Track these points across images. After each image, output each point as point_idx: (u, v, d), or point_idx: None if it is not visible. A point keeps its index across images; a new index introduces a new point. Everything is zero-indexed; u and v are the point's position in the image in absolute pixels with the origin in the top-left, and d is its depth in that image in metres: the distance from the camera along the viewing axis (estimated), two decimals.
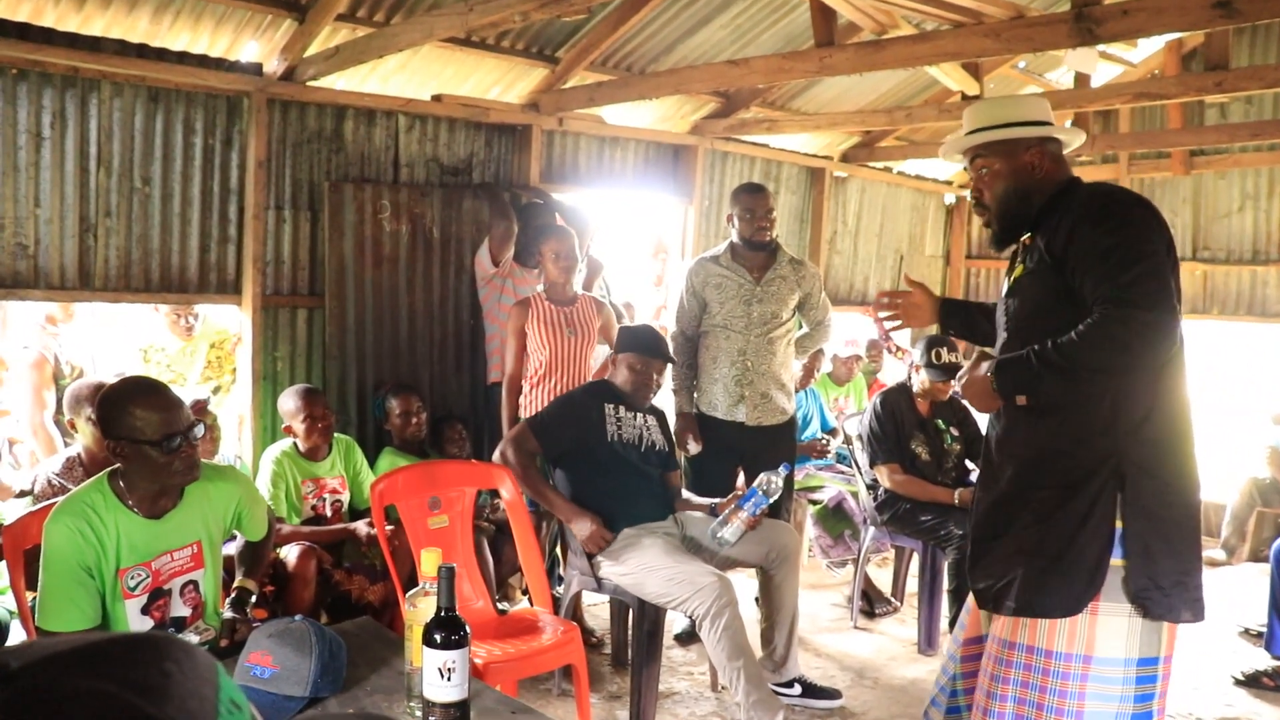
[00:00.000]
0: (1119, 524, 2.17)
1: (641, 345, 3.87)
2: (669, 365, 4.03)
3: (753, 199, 4.33)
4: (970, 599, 2.52)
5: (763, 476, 3.59)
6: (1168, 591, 2.17)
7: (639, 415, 3.92)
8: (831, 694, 3.94)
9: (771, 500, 3.61)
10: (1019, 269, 2.38)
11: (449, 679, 1.76)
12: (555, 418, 3.83)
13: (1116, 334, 2.06)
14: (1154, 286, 2.07)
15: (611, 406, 3.85)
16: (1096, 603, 2.19)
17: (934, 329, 2.96)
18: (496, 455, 3.79)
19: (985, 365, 2.30)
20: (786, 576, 3.84)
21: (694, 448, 4.36)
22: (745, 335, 4.30)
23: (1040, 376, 2.17)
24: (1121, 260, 2.09)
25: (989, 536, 2.38)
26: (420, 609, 1.95)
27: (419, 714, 1.87)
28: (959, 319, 2.83)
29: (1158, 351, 2.10)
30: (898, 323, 2.86)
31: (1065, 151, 2.45)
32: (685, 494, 4.04)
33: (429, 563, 1.97)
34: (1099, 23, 3.37)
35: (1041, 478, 2.27)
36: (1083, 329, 2.10)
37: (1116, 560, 2.17)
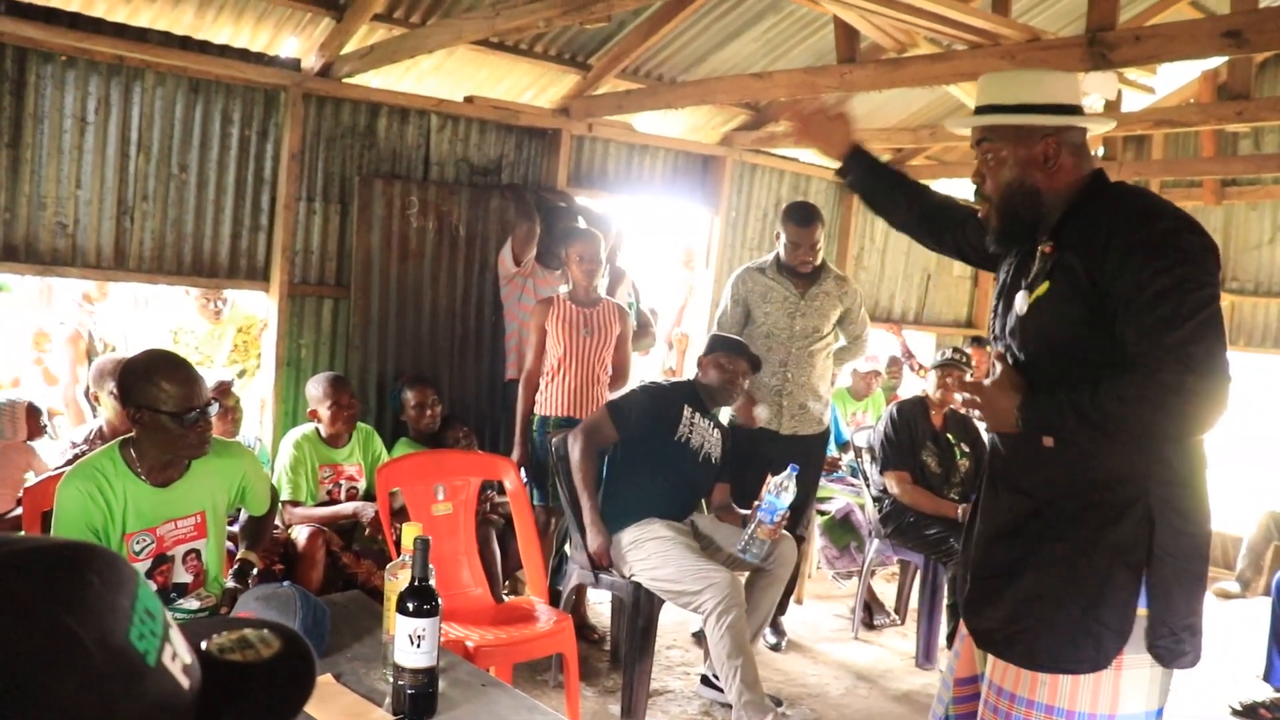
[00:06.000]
0: (1146, 570, 1.94)
1: (730, 345, 4.05)
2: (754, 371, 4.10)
3: (799, 231, 4.33)
4: (963, 630, 2.26)
5: (770, 481, 3.66)
6: (1180, 636, 1.96)
7: (712, 427, 4.05)
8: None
9: (785, 503, 3.65)
10: (1043, 287, 2.02)
11: (418, 645, 1.85)
12: (639, 405, 3.98)
13: (1169, 403, 1.79)
14: (1213, 345, 1.78)
15: (690, 409, 3.99)
16: (1121, 656, 1.95)
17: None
18: (570, 440, 3.89)
19: (1011, 393, 1.99)
20: (771, 584, 3.90)
21: (762, 413, 4.40)
22: (788, 347, 4.37)
23: (1076, 430, 1.92)
24: (1178, 309, 1.79)
25: (996, 574, 2.10)
26: (399, 580, 2.05)
27: (390, 679, 1.96)
28: (866, 171, 2.57)
29: (1212, 422, 1.80)
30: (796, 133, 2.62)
31: (1090, 136, 2.12)
32: (726, 504, 4.14)
33: (408, 535, 2.06)
34: (1112, 48, 3.40)
35: (1066, 516, 1.99)
36: (1130, 390, 1.83)
37: (1141, 610, 1.95)
